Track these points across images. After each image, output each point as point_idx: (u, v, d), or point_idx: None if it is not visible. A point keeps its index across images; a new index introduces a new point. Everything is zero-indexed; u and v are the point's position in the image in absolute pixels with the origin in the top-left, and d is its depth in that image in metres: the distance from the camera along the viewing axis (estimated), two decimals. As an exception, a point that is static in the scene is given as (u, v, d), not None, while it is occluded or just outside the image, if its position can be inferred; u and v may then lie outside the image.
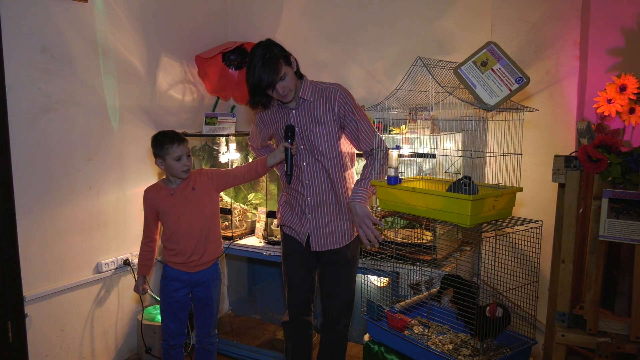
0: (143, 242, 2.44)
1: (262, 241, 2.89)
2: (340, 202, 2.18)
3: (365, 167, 2.16)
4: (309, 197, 2.17)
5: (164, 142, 2.25)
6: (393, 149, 2.15)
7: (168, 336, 2.40)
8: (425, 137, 2.42)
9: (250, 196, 3.25)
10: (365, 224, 2.01)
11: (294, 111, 2.12)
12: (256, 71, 1.94)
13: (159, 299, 2.52)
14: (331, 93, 2.10)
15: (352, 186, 2.16)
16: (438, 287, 2.20)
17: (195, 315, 2.47)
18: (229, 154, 3.06)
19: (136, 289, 2.45)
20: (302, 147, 2.14)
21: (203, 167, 3.26)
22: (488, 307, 1.91)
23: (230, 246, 2.91)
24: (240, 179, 2.41)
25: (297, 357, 2.38)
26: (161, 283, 2.41)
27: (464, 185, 1.87)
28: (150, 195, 2.36)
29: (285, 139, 2.12)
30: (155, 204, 2.34)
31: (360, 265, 2.40)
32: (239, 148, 3.16)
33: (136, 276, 2.50)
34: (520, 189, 2.02)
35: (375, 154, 2.12)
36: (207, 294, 2.41)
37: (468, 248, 2.68)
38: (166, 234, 2.36)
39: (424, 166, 2.57)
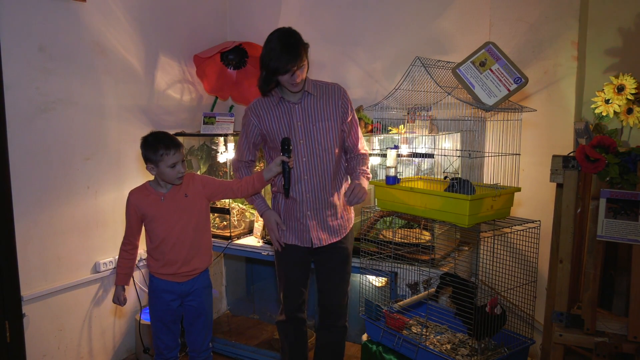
0: (123, 249, 2.25)
1: (260, 241, 2.89)
2: (338, 195, 2.22)
3: (353, 168, 2.28)
4: (307, 194, 2.16)
5: (158, 148, 2.07)
6: (391, 148, 2.16)
7: (163, 350, 2.28)
8: (423, 137, 2.42)
9: (249, 196, 3.25)
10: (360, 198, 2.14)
11: (297, 105, 2.13)
12: (279, 53, 1.94)
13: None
14: (335, 90, 2.17)
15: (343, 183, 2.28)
16: (436, 287, 2.21)
17: (187, 330, 2.32)
18: (227, 154, 3.06)
19: (116, 300, 2.27)
20: (302, 141, 2.13)
21: (201, 166, 3.26)
22: (488, 302, 1.91)
23: (228, 246, 2.91)
24: (236, 193, 2.28)
25: (295, 355, 2.36)
26: (150, 296, 2.27)
27: (454, 186, 1.88)
28: (136, 198, 2.18)
29: (282, 152, 2.09)
30: (142, 209, 2.17)
31: (358, 265, 2.41)
32: (238, 148, 3.16)
33: (115, 286, 2.30)
34: (519, 189, 2.03)
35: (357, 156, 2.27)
36: (199, 302, 2.28)
37: (466, 248, 2.68)
38: (153, 242, 2.20)
39: (423, 166, 2.57)
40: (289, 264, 2.27)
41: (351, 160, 2.29)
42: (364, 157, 2.28)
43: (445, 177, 2.03)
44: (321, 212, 2.19)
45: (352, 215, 2.35)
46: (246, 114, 2.22)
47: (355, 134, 2.25)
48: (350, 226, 2.31)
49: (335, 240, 2.22)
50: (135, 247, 2.28)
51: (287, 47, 1.94)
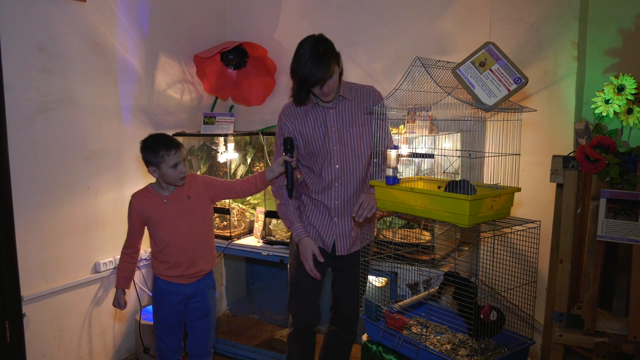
0: (125, 252, 2.24)
1: (261, 241, 2.89)
2: None
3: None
4: (336, 200, 2.11)
5: (158, 150, 2.07)
6: (391, 149, 2.16)
7: (166, 352, 2.27)
8: (423, 137, 2.42)
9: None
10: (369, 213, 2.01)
11: (331, 111, 2.08)
12: (307, 65, 1.88)
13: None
14: (370, 94, 2.12)
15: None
16: (438, 286, 2.20)
17: (190, 333, 2.32)
18: (227, 154, 3.06)
19: (116, 304, 2.27)
20: (335, 148, 2.08)
21: (201, 166, 3.26)
22: (482, 311, 1.91)
23: (228, 246, 2.91)
24: (239, 193, 2.28)
25: None
26: (154, 298, 2.26)
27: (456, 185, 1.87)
28: (139, 202, 2.17)
29: (284, 152, 2.07)
30: (145, 213, 2.16)
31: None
32: (237, 148, 3.16)
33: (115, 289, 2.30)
34: (519, 189, 2.02)
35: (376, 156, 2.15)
36: (203, 303, 2.28)
37: (466, 248, 2.68)
38: (158, 245, 2.19)
39: (423, 166, 2.57)
40: (307, 275, 2.16)
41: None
42: None
43: None
44: (348, 219, 2.14)
45: (375, 225, 2.32)
46: (280, 119, 2.15)
47: (385, 137, 2.16)
48: (374, 236, 2.28)
49: (356, 249, 2.19)
50: (137, 251, 2.27)
51: (315, 57, 1.88)
